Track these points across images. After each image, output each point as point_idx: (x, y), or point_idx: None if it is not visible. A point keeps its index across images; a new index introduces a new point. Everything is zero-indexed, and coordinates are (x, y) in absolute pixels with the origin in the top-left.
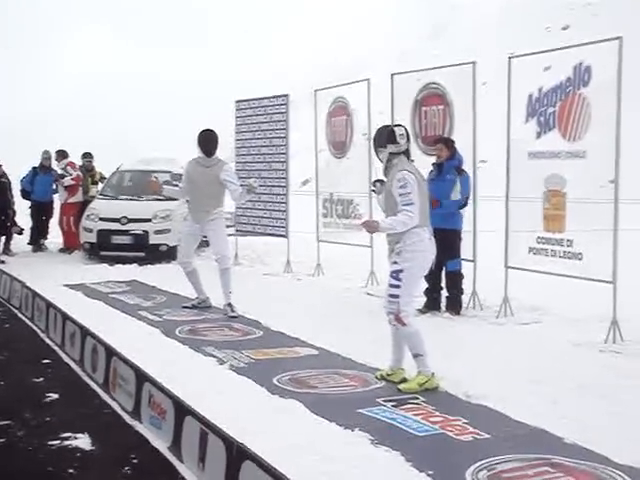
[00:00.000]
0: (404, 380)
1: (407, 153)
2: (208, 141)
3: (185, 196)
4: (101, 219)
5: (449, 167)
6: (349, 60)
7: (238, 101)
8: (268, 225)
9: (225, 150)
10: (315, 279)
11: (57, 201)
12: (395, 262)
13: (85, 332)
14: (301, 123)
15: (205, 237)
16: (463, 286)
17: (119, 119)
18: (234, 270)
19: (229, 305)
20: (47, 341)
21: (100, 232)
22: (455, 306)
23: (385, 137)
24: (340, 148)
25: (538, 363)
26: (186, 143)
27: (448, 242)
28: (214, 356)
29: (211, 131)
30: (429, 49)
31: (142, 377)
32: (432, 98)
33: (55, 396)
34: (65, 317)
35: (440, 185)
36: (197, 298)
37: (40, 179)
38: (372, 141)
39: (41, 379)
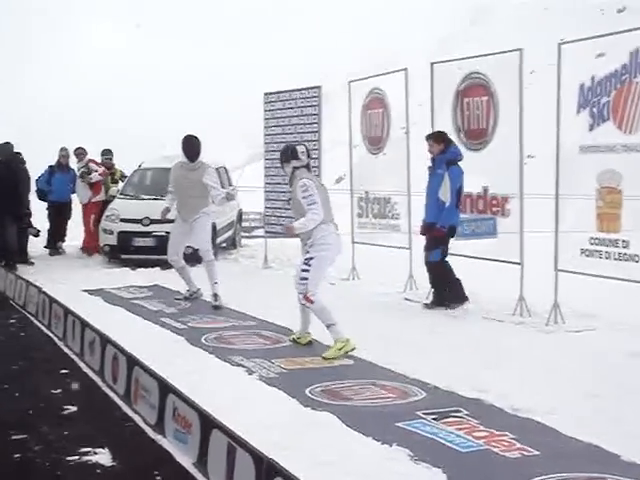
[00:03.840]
0: (310, 343)
1: (308, 167)
2: (191, 147)
3: (175, 199)
4: (122, 220)
5: (440, 162)
6: (385, 48)
7: (267, 94)
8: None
9: (254, 147)
10: (350, 283)
11: (75, 201)
12: (308, 252)
13: (105, 340)
14: (334, 117)
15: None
16: (453, 281)
17: (139, 115)
18: (264, 274)
19: (214, 295)
20: (65, 350)
21: (121, 234)
22: (438, 300)
23: (289, 154)
24: (376, 143)
25: (591, 374)
26: (212, 139)
27: (428, 234)
28: (242, 366)
29: (194, 137)
30: (471, 35)
31: (166, 388)
32: (475, 89)
33: (73, 408)
34: (84, 324)
35: (431, 180)
36: (188, 291)
37: (58, 178)
38: (280, 157)
39: (59, 390)
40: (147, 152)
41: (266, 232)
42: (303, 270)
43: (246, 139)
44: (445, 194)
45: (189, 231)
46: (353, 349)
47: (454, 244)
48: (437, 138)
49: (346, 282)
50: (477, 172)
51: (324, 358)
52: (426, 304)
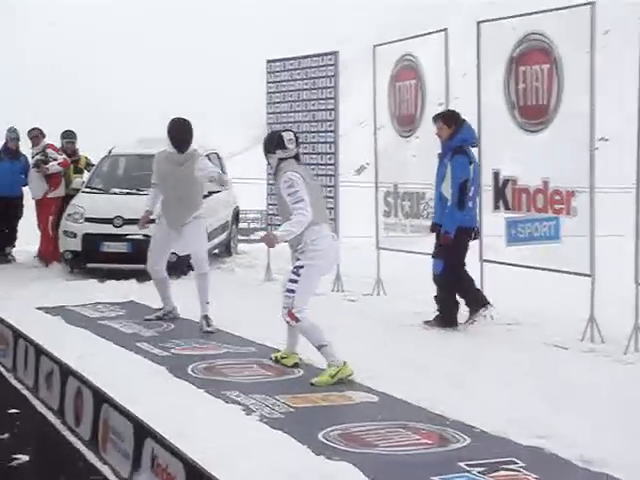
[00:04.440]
0: (296, 365)
1: (297, 157)
2: (180, 134)
3: (159, 195)
4: (88, 220)
5: (447, 149)
6: (419, 4)
7: (270, 61)
8: None
9: (254, 127)
10: (373, 300)
11: (28, 196)
12: (298, 259)
13: (66, 371)
14: (354, 91)
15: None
16: (462, 297)
17: (109, 90)
18: (266, 288)
19: (205, 318)
20: (14, 384)
21: (86, 237)
22: (442, 319)
23: (274, 143)
24: (408, 123)
25: None
26: (202, 119)
27: (437, 239)
28: (239, 403)
29: (183, 121)
30: None
31: (143, 432)
32: (533, 54)
33: (25, 457)
34: (39, 351)
35: (438, 171)
36: (162, 309)
37: (5, 167)
38: (263, 146)
39: (6, 435)
40: (119, 135)
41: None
42: (290, 280)
43: (245, 119)
44: (447, 189)
45: (176, 237)
46: (350, 375)
47: (504, 252)
48: (448, 119)
49: (369, 298)
50: (535, 160)
51: (312, 384)
52: (427, 321)
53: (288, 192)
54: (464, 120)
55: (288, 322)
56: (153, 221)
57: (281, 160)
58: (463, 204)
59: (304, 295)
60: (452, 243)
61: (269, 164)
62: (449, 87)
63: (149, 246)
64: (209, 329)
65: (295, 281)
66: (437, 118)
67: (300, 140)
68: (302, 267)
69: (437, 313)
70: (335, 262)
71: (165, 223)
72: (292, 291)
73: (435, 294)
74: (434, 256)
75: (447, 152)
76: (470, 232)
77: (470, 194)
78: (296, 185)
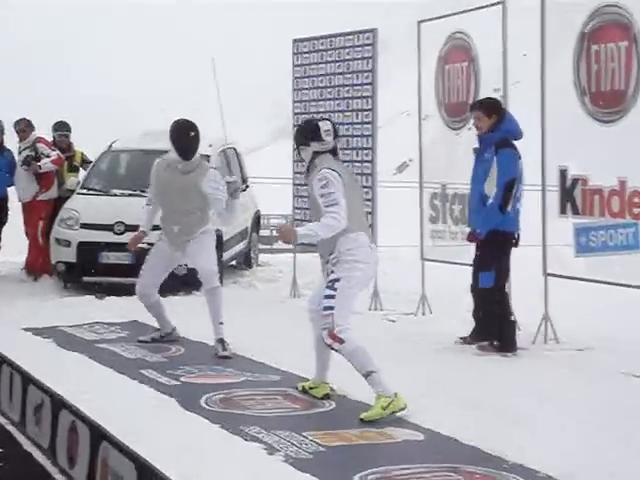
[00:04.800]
0: (327, 396)
1: (334, 152)
2: (184, 138)
3: (157, 211)
4: (84, 226)
5: (488, 142)
6: None
7: (297, 40)
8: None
9: (278, 118)
10: (417, 320)
11: (14, 198)
12: (332, 271)
13: (58, 403)
14: (396, 75)
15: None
16: (512, 314)
17: (109, 75)
18: (292, 306)
19: (220, 341)
20: None
21: (82, 246)
22: (490, 335)
23: (308, 134)
24: (458, 113)
25: None
26: (218, 106)
27: (480, 247)
28: (261, 441)
29: (188, 124)
30: None
31: (147, 473)
32: (609, 30)
33: None
34: (27, 380)
35: (477, 167)
36: (159, 330)
37: None
38: (295, 138)
39: None
40: (120, 127)
41: (295, 244)
42: (327, 296)
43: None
44: (491, 188)
45: (179, 258)
46: (403, 409)
47: (572, 263)
48: (488, 108)
49: (412, 318)
50: (609, 156)
51: (362, 420)
52: (463, 338)
53: (321, 192)
54: (505, 110)
55: (330, 345)
56: (157, 228)
57: (316, 154)
58: (506, 205)
59: (344, 311)
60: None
61: (301, 158)
62: (507, 70)
63: (142, 267)
64: (225, 354)
65: (332, 296)
66: (475, 107)
67: None
68: (338, 280)
69: (474, 332)
70: (373, 276)
71: (166, 241)
72: (330, 308)
73: (474, 311)
74: (481, 269)
75: (488, 146)
76: (511, 238)
77: (517, 194)
78: (331, 185)
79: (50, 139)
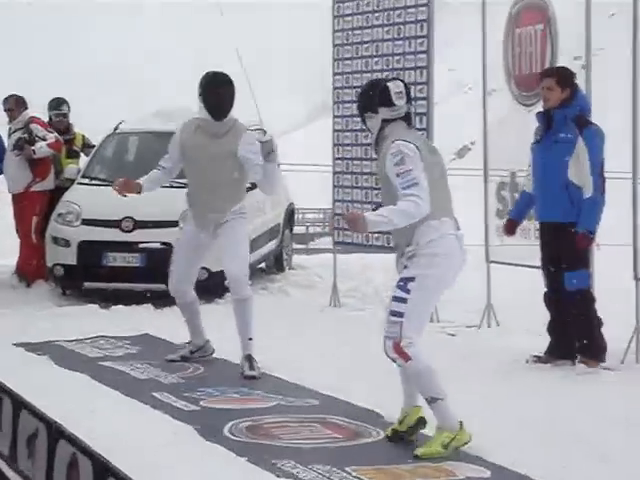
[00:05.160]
0: (422, 421)
1: (407, 118)
2: (218, 95)
3: (164, 179)
4: (86, 222)
5: (563, 119)
6: None
7: (337, 1)
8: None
9: (315, 94)
10: (482, 334)
11: (3, 189)
12: (406, 266)
13: (56, 432)
14: (456, 41)
15: None
16: (599, 315)
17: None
18: (331, 316)
19: (248, 359)
20: None
21: (84, 246)
22: (588, 349)
23: (376, 97)
24: (531, 86)
25: None
26: (243, 81)
27: (566, 244)
28: (296, 477)
29: (223, 77)
30: None
31: None
32: (528, 13)
33: None
34: (19, 404)
35: (548, 150)
36: (190, 343)
37: None
38: (357, 102)
39: None
40: (128, 106)
41: (336, 243)
42: (396, 299)
43: (302, 83)
44: (582, 176)
45: (208, 244)
46: (467, 442)
47: None
48: (563, 78)
49: (475, 331)
50: None
51: (417, 456)
52: (537, 357)
53: (397, 170)
54: (577, 85)
55: (394, 360)
56: (175, 224)
57: (386, 122)
58: (604, 193)
59: (417, 320)
60: (587, 247)
61: (367, 128)
62: (591, 34)
63: (171, 257)
64: (252, 373)
65: (403, 300)
66: (547, 74)
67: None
68: (413, 279)
69: (550, 348)
70: (458, 273)
71: (193, 223)
72: (399, 314)
73: (550, 323)
74: (571, 268)
75: (564, 124)
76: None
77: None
78: (409, 161)
79: (46, 119)
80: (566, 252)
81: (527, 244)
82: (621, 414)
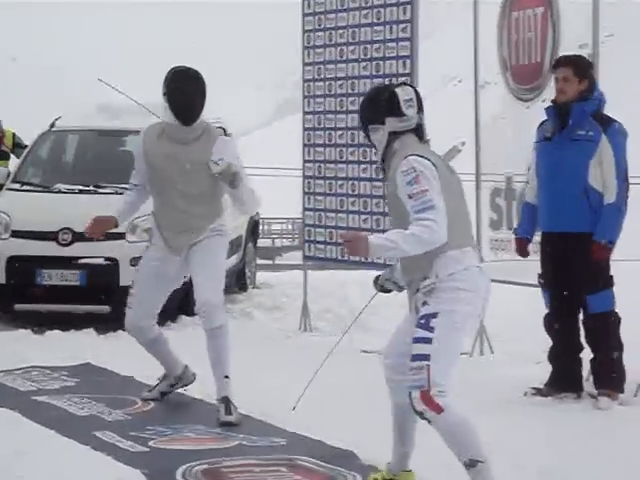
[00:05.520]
0: None
1: (419, 131)
2: (186, 94)
3: (142, 200)
4: (16, 234)
5: (582, 114)
6: None
7: None
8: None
9: (281, 89)
10: (475, 363)
11: None
12: (425, 303)
13: None
14: (443, 27)
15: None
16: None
17: (53, 28)
18: (298, 343)
19: (223, 401)
20: None
21: (13, 262)
22: (612, 380)
23: (382, 106)
24: (530, 78)
25: None
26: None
27: (582, 259)
28: None
29: (192, 73)
30: None
31: None
32: None
33: None
34: None
35: (560, 153)
36: (165, 377)
37: None
38: (360, 113)
39: None
40: (67, 100)
41: (306, 258)
42: (419, 340)
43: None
44: (606, 180)
45: (179, 270)
46: None
47: None
48: (582, 68)
49: (466, 360)
50: None
51: None
52: (537, 389)
53: (410, 191)
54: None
55: (421, 413)
56: (122, 236)
57: (393, 136)
58: (626, 202)
59: (445, 363)
60: (605, 260)
61: (371, 143)
62: (599, 18)
63: (131, 288)
64: (230, 419)
65: (427, 340)
66: (563, 63)
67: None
68: (435, 315)
69: (552, 380)
70: (483, 308)
71: (162, 246)
72: (424, 357)
73: (551, 350)
74: (594, 289)
75: (581, 120)
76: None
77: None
78: (424, 180)
79: None
80: (584, 269)
81: (522, 260)
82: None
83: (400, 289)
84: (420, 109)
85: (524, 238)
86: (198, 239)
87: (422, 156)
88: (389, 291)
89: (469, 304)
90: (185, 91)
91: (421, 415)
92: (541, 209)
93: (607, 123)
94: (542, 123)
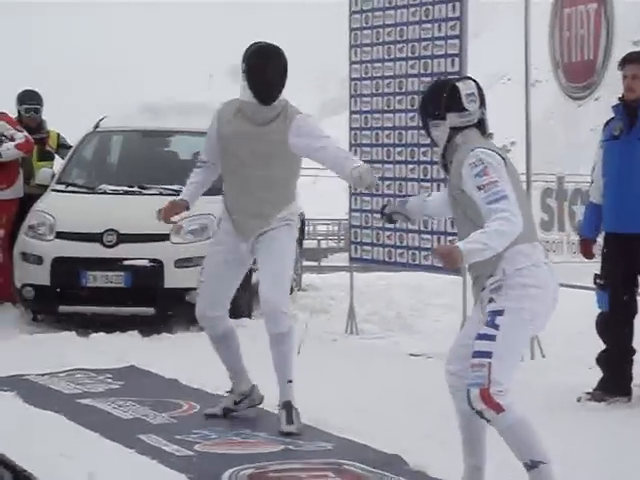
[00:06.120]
0: None
1: (482, 126)
2: (266, 69)
3: (211, 179)
4: (60, 235)
5: None
6: None
7: None
8: (419, 248)
9: (326, 89)
10: (526, 367)
11: None
12: (491, 299)
13: None
14: (493, 26)
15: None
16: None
17: (96, 29)
18: (345, 345)
19: (285, 407)
20: None
21: (58, 264)
22: (619, 390)
23: (443, 101)
24: (583, 76)
25: None
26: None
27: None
28: None
29: (273, 49)
30: None
31: None
32: None
33: None
34: None
35: (631, 152)
36: (232, 391)
37: None
38: (420, 107)
39: None
40: (111, 99)
41: (352, 260)
42: (482, 337)
43: (311, 76)
44: None
45: (247, 258)
46: None
47: None
48: None
49: (519, 364)
50: None
51: None
52: (590, 394)
53: (479, 182)
54: None
55: (480, 412)
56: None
57: (455, 131)
58: None
59: (507, 362)
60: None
61: (432, 140)
62: None
63: (200, 277)
64: (291, 429)
65: (491, 337)
66: (632, 60)
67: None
68: (501, 312)
69: (602, 383)
70: (553, 309)
71: (231, 231)
72: (486, 354)
73: (602, 353)
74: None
75: None
76: None
77: None
78: (493, 171)
79: (14, 115)
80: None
81: (576, 261)
82: None
83: (407, 220)
84: (482, 104)
85: (590, 239)
86: (267, 228)
87: (489, 149)
88: (395, 222)
89: (538, 301)
90: (266, 69)
91: (480, 414)
92: (607, 209)
93: None
94: (608, 121)
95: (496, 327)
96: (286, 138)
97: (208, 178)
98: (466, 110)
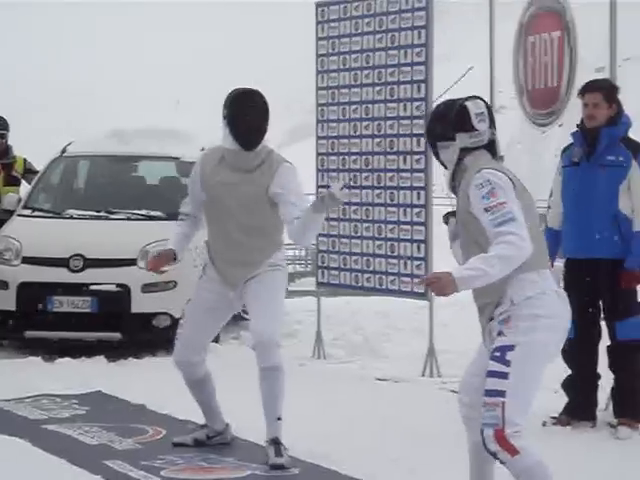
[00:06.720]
0: None
1: (492, 148)
2: (249, 114)
3: (194, 231)
4: (26, 260)
5: (610, 139)
6: None
7: (321, 4)
8: (386, 272)
9: (292, 115)
10: None
11: None
12: (501, 333)
13: None
14: (458, 51)
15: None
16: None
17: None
18: (311, 371)
19: (274, 442)
20: None
21: (24, 289)
22: (633, 409)
23: (452, 121)
24: (547, 103)
25: None
26: (211, 102)
27: (609, 285)
28: None
29: (255, 95)
30: None
31: None
32: (544, 18)
33: None
34: None
35: (589, 178)
36: (205, 427)
37: None
38: (427, 131)
39: None
40: (79, 124)
41: (319, 284)
42: (493, 374)
43: (278, 102)
44: (636, 206)
45: (232, 305)
46: None
47: None
48: (611, 93)
49: None
50: None
51: None
52: (556, 418)
53: (486, 205)
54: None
55: (495, 454)
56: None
57: (464, 152)
58: None
59: (522, 400)
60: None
61: (440, 162)
62: (616, 42)
63: (181, 321)
64: (280, 461)
65: (503, 374)
66: (593, 88)
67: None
68: (512, 347)
69: (568, 408)
70: (564, 338)
71: (216, 278)
72: (499, 393)
73: (567, 379)
74: (623, 315)
75: (613, 145)
76: None
77: None
78: (501, 193)
79: None
80: (614, 296)
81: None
82: None
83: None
84: (492, 124)
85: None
86: (255, 273)
87: (496, 169)
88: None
89: (550, 331)
90: (248, 114)
91: (494, 455)
92: (568, 235)
93: (637, 148)
94: (566, 148)
95: (507, 363)
96: (268, 186)
97: (193, 230)
98: (476, 130)
